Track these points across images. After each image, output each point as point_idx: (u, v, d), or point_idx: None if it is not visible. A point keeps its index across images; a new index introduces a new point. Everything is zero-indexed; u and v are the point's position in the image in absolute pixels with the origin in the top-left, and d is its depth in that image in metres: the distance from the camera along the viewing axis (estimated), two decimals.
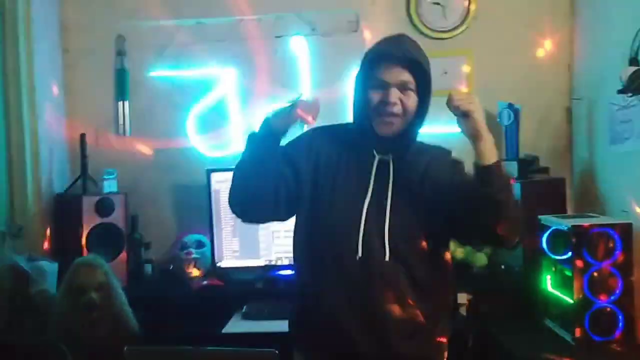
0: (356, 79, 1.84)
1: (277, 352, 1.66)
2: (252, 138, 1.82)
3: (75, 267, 2.54)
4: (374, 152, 1.82)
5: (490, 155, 1.70)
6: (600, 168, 2.81)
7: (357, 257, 1.74)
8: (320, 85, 3.18)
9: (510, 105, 2.96)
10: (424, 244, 1.79)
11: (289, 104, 1.80)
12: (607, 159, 2.73)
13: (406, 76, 1.75)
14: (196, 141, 3.18)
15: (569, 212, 2.96)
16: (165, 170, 3.21)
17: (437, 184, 1.79)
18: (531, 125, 3.10)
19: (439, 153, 1.92)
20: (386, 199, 1.77)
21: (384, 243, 1.74)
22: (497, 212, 1.65)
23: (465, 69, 3.17)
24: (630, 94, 2.25)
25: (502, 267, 2.93)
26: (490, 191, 1.65)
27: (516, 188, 2.84)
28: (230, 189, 1.84)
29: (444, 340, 1.87)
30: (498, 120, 3.02)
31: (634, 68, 2.25)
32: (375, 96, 1.77)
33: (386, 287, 1.75)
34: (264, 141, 1.78)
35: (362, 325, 1.75)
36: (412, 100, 1.77)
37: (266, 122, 1.80)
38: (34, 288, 2.56)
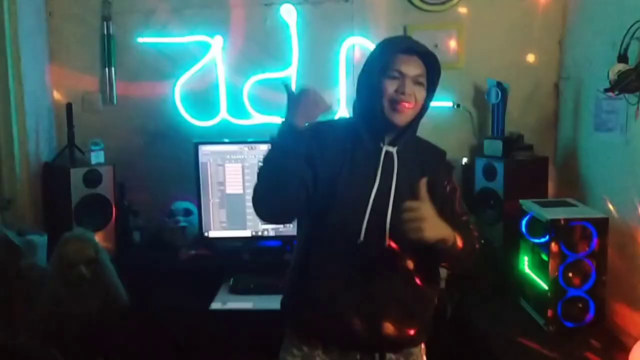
0: (368, 68, 1.90)
1: None
2: (276, 145, 1.84)
3: (64, 242, 2.59)
4: (381, 144, 1.89)
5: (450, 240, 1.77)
6: (583, 151, 2.85)
7: (358, 241, 1.82)
8: (309, 55, 3.15)
9: (499, 84, 2.97)
10: None
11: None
12: (590, 144, 2.76)
13: (421, 70, 1.84)
14: (183, 110, 3.17)
15: (550, 191, 3.03)
16: (152, 139, 3.21)
17: (433, 184, 1.84)
18: (519, 101, 3.12)
19: (435, 152, 2.03)
20: (390, 188, 1.85)
21: (385, 230, 1.83)
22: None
23: (456, 42, 3.14)
24: (617, 92, 2.26)
25: (482, 241, 3.01)
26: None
27: (499, 167, 2.91)
28: (257, 196, 1.86)
29: (430, 320, 1.99)
30: (486, 97, 3.04)
31: (621, 66, 2.26)
32: (391, 86, 1.83)
33: (384, 271, 1.85)
34: (287, 145, 1.81)
35: (358, 307, 1.84)
36: (422, 94, 1.86)
37: (288, 125, 1.81)
38: (25, 261, 2.61)
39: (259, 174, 1.86)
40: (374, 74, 1.87)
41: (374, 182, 1.86)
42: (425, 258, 1.86)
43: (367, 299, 1.84)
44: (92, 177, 2.90)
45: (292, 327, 1.98)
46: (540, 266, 2.50)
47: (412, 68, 1.83)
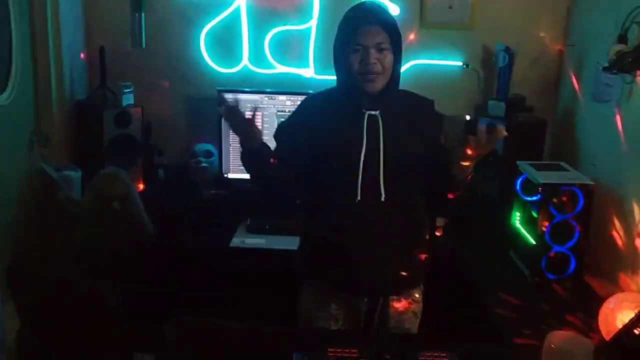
0: (335, 45, 2.04)
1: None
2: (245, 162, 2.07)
3: (99, 178, 2.81)
4: (363, 109, 2.03)
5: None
6: (580, 118, 3.05)
7: (357, 200, 2.02)
8: (330, 8, 3.26)
9: (507, 49, 3.14)
10: (414, 185, 2.09)
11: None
12: (587, 112, 2.97)
13: (381, 37, 1.97)
14: (208, 56, 3.34)
15: (547, 152, 3.25)
16: (178, 82, 3.40)
17: (422, 133, 2.05)
18: (524, 64, 3.29)
19: (423, 103, 2.17)
20: (379, 149, 2.02)
21: (380, 187, 2.03)
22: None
23: (469, 4, 3.27)
24: (615, 71, 2.44)
25: (480, 195, 3.26)
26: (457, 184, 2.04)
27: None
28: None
29: (425, 262, 2.23)
30: (494, 60, 3.21)
31: (620, 46, 2.43)
32: (355, 59, 1.97)
33: (383, 224, 2.06)
34: (255, 162, 2.04)
35: (362, 257, 2.07)
36: (388, 59, 1.99)
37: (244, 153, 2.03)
38: (61, 195, 2.85)
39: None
40: (340, 51, 2.02)
41: (362, 145, 2.01)
42: (420, 205, 2.11)
43: (369, 250, 2.06)
44: (123, 118, 3.12)
45: (307, 278, 2.21)
46: (530, 222, 2.74)
47: (372, 37, 1.95)
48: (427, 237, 2.25)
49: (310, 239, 2.20)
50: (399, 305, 2.19)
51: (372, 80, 1.99)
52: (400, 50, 2.03)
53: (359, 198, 2.02)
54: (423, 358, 1.78)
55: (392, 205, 2.04)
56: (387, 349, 1.82)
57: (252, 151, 1.99)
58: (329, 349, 1.81)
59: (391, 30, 1.99)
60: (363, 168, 2.01)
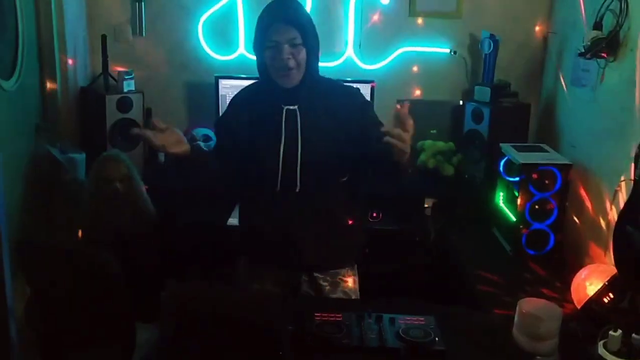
0: (253, 44, 2.12)
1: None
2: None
3: (102, 160, 2.93)
4: (281, 104, 2.12)
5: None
6: (560, 102, 3.19)
7: (277, 190, 2.14)
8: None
9: (492, 36, 3.27)
10: (332, 174, 2.19)
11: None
12: (567, 96, 3.11)
13: (293, 33, 2.03)
14: (205, 44, 3.48)
15: (531, 135, 3.39)
16: (177, 69, 3.54)
17: (348, 122, 2.14)
18: (510, 51, 3.43)
19: (348, 92, 2.25)
20: (297, 143, 2.12)
21: (296, 178, 2.13)
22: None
23: None
24: (589, 56, 2.58)
25: (466, 177, 3.41)
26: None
27: (486, 111, 3.25)
28: None
29: (357, 239, 2.33)
30: (480, 47, 3.35)
31: (595, 33, 2.57)
32: (270, 56, 2.05)
33: (298, 212, 2.16)
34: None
35: (283, 241, 2.19)
36: (302, 54, 2.05)
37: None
38: (66, 176, 3.00)
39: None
40: (256, 48, 2.10)
41: (281, 139, 2.11)
42: (339, 194, 2.21)
43: (288, 235, 2.18)
44: (124, 103, 3.25)
45: (242, 249, 2.37)
46: (512, 201, 2.89)
47: (284, 34, 2.01)
48: (352, 221, 2.30)
49: (242, 221, 2.34)
50: (326, 283, 2.28)
51: (287, 75, 2.06)
52: (316, 45, 2.09)
53: (278, 188, 2.14)
54: (402, 321, 1.92)
55: (307, 195, 2.15)
56: (369, 314, 1.96)
57: (186, 158, 2.09)
58: (315, 314, 1.95)
59: (303, 27, 2.04)
60: (283, 161, 2.12)
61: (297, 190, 2.14)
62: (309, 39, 2.06)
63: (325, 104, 2.16)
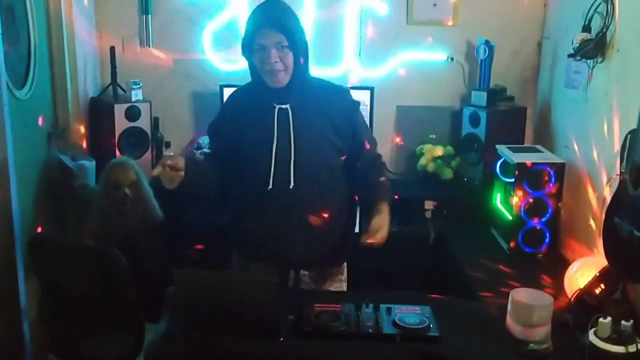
0: (242, 47, 2.18)
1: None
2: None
3: (111, 166, 3.03)
4: (273, 103, 2.19)
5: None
6: (555, 104, 3.28)
7: (269, 188, 2.19)
8: (322, 5, 3.54)
9: (487, 42, 3.37)
10: (324, 172, 2.25)
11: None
12: (561, 98, 3.20)
13: (279, 37, 2.09)
14: (210, 54, 3.60)
15: (528, 138, 3.48)
16: (183, 79, 3.65)
17: (340, 119, 2.22)
18: (506, 56, 3.53)
19: (338, 90, 2.32)
20: (290, 141, 2.18)
21: (290, 176, 2.18)
22: None
23: (453, 2, 3.52)
24: (578, 58, 2.67)
25: (465, 179, 3.49)
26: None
27: (483, 115, 3.34)
28: None
29: (348, 237, 2.39)
30: (475, 53, 3.45)
31: (584, 35, 2.66)
32: (259, 59, 2.13)
33: (292, 209, 2.22)
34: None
35: (274, 237, 2.24)
36: (289, 57, 2.12)
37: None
38: (77, 182, 3.10)
39: None
40: (245, 52, 2.17)
41: (273, 137, 2.17)
42: (333, 190, 2.28)
43: (280, 230, 2.23)
44: (133, 112, 3.37)
45: (234, 249, 2.43)
46: (508, 201, 2.97)
47: (271, 38, 2.08)
48: (346, 218, 2.37)
49: (233, 220, 2.38)
50: (310, 281, 2.35)
51: (275, 76, 2.13)
52: (303, 47, 2.16)
53: (270, 186, 2.19)
54: (399, 310, 2.00)
55: (301, 192, 2.20)
56: (366, 304, 2.04)
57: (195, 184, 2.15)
58: (315, 304, 2.03)
59: (288, 31, 2.10)
60: (275, 158, 2.18)
61: (291, 187, 2.19)
62: (296, 41, 2.12)
63: (316, 102, 2.23)
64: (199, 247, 3.16)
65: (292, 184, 2.19)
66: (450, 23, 3.54)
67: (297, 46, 2.13)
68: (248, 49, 2.16)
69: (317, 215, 2.27)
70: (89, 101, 3.48)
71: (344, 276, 2.43)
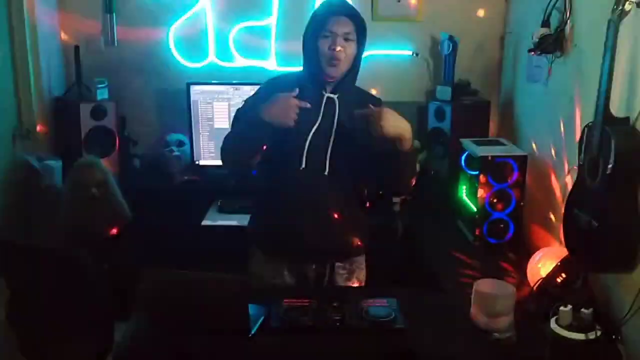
0: (307, 32, 2.24)
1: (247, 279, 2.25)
2: (245, 121, 2.24)
3: (77, 166, 3.01)
4: (323, 92, 2.25)
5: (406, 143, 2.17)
6: (518, 98, 3.35)
7: (301, 168, 2.23)
8: (288, 6, 3.55)
9: (450, 37, 3.41)
10: (356, 167, 2.29)
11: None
12: (523, 92, 3.26)
13: (349, 28, 2.19)
14: (176, 52, 3.59)
15: (492, 131, 3.55)
16: (149, 77, 3.64)
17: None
18: (469, 51, 3.58)
19: (373, 100, 2.35)
20: (332, 128, 2.25)
21: (326, 161, 2.24)
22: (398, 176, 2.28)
23: None
24: (539, 53, 2.73)
25: (432, 173, 3.54)
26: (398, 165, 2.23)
27: (447, 109, 3.40)
28: (225, 149, 2.28)
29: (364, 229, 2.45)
30: (440, 48, 3.49)
31: (544, 30, 2.72)
32: (324, 44, 2.18)
33: (324, 196, 2.28)
34: (257, 129, 2.15)
35: (307, 224, 2.27)
36: (352, 48, 2.21)
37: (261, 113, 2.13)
38: (43, 183, 3.08)
39: (232, 129, 2.30)
40: (311, 35, 2.22)
41: (316, 122, 2.22)
42: (360, 183, 2.35)
43: (312, 219, 2.27)
44: (99, 111, 3.35)
45: (258, 246, 2.41)
46: (473, 193, 3.02)
47: (341, 27, 2.17)
48: (365, 209, 2.47)
49: (259, 205, 2.43)
50: (344, 272, 2.41)
51: (335, 65, 2.18)
52: (364, 44, 2.24)
53: (303, 165, 2.23)
54: (366, 303, 2.04)
55: (334, 180, 2.26)
56: (335, 298, 2.08)
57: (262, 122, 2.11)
58: (284, 300, 2.06)
59: (359, 23, 2.21)
60: (312, 140, 2.22)
61: (326, 173, 2.25)
62: (361, 36, 2.22)
63: (357, 101, 2.25)
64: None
65: (327, 170, 2.25)
66: (414, 19, 3.57)
67: (361, 40, 2.22)
68: (314, 33, 2.20)
69: (347, 205, 2.34)
70: (54, 101, 3.45)
71: (364, 264, 2.49)
